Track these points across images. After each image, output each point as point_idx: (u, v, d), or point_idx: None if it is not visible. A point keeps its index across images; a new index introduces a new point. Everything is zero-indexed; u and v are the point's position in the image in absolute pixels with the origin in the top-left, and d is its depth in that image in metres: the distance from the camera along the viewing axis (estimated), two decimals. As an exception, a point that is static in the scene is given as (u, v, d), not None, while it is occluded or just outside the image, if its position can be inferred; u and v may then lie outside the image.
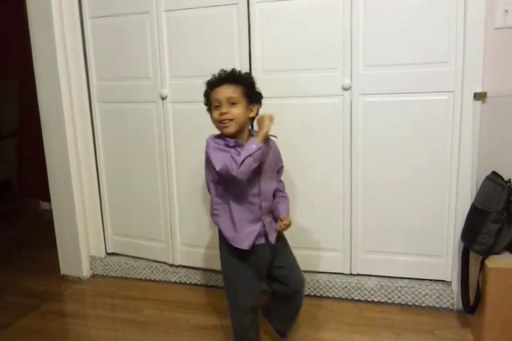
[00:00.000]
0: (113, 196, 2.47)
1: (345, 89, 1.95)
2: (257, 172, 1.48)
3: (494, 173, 1.80)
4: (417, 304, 2.03)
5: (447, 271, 2.00)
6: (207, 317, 2.02)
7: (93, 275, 2.50)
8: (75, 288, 2.37)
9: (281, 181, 1.68)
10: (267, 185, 1.53)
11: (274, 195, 1.61)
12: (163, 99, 2.19)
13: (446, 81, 1.86)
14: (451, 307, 1.99)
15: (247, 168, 1.39)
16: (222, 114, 1.46)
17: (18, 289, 2.36)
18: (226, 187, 1.49)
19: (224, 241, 1.54)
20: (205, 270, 2.31)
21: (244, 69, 2.01)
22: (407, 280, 2.06)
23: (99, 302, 2.23)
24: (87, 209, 2.45)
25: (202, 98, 2.08)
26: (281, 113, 2.01)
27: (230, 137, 1.49)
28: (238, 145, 1.48)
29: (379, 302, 2.07)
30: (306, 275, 2.13)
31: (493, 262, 1.67)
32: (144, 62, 2.20)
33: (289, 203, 1.65)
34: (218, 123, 1.48)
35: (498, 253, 1.71)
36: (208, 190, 1.56)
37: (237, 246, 1.49)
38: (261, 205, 1.51)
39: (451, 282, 2.00)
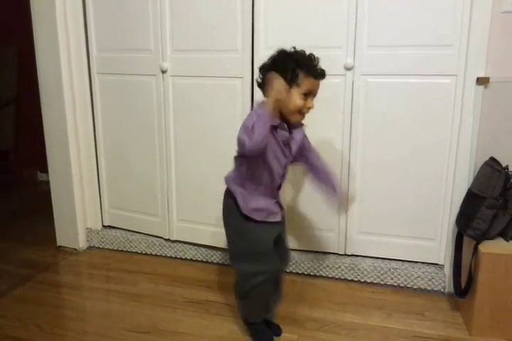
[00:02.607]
0: (111, 169, 2.46)
1: (347, 69, 1.92)
2: (287, 156, 1.52)
3: (492, 159, 1.80)
4: (409, 286, 2.05)
5: (440, 255, 2.02)
6: (201, 292, 2.04)
7: (89, 248, 2.52)
8: (70, 260, 2.39)
9: (314, 152, 1.66)
10: (286, 168, 1.57)
11: (317, 173, 1.64)
12: (163, 72, 2.16)
13: (450, 64, 1.83)
14: (442, 290, 2.02)
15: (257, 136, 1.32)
16: (310, 108, 1.46)
17: (13, 259, 2.38)
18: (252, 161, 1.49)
19: (236, 209, 1.54)
20: (200, 245, 2.32)
21: (247, 45, 1.98)
22: (400, 262, 2.08)
23: (94, 274, 2.25)
24: (84, 181, 2.45)
25: (203, 72, 2.09)
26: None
27: (282, 120, 1.48)
28: (281, 128, 1.47)
29: (371, 283, 2.09)
30: (300, 255, 2.17)
31: (486, 247, 1.69)
32: (145, 34, 2.16)
33: (334, 179, 1.65)
34: (297, 111, 1.46)
35: (492, 238, 1.73)
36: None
37: (249, 216, 1.52)
38: (280, 185, 1.59)
39: (443, 265, 2.02)
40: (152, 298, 2.00)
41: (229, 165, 2.13)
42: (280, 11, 1.95)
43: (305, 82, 1.42)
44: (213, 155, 2.17)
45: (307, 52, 1.47)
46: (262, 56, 1.95)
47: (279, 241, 1.64)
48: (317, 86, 1.46)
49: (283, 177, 1.58)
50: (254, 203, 1.53)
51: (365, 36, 1.89)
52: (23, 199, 3.43)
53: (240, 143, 1.35)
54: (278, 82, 1.40)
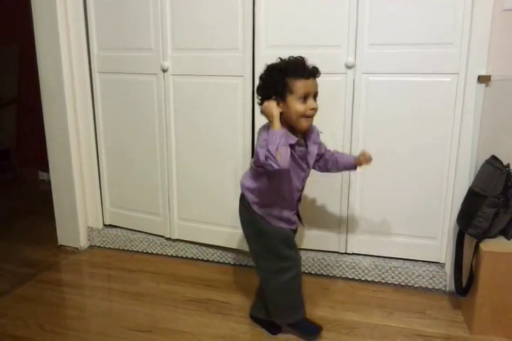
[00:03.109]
0: (112, 168, 2.46)
1: (348, 67, 1.92)
2: (305, 169, 1.56)
3: (494, 157, 1.79)
4: (410, 284, 2.05)
5: (441, 253, 2.02)
6: (202, 291, 2.04)
7: (90, 247, 2.52)
8: (72, 259, 2.39)
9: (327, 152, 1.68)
10: (305, 181, 1.61)
11: (334, 162, 1.67)
12: (164, 71, 2.16)
13: (451, 63, 1.83)
14: (443, 288, 2.02)
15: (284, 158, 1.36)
16: (313, 109, 1.44)
17: (15, 258, 2.38)
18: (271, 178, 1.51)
19: (254, 212, 1.57)
20: (201, 244, 2.32)
21: (248, 44, 1.98)
22: (401, 261, 2.08)
23: (95, 273, 2.25)
24: (85, 180, 2.45)
25: (204, 71, 2.09)
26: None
27: (292, 130, 1.47)
28: (299, 145, 1.49)
29: (372, 282, 2.09)
30: (301, 253, 2.16)
31: (488, 246, 1.68)
32: (145, 33, 2.16)
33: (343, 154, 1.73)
34: (303, 117, 1.44)
35: (493, 237, 1.73)
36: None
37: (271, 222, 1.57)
38: (299, 198, 1.62)
39: (444, 264, 2.02)
40: (153, 296, 2.01)
41: (229, 164, 2.15)
42: (281, 9, 1.95)
43: (297, 86, 1.41)
44: (214, 154, 2.17)
45: (292, 57, 1.46)
46: (263, 55, 1.97)
47: None
48: (312, 86, 1.44)
49: (302, 190, 1.61)
50: (276, 212, 1.56)
51: (366, 35, 1.89)
52: (24, 198, 3.43)
53: (267, 166, 1.36)
54: (267, 105, 1.43)
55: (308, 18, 1.93)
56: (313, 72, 1.44)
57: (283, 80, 1.41)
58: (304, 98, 1.42)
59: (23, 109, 3.75)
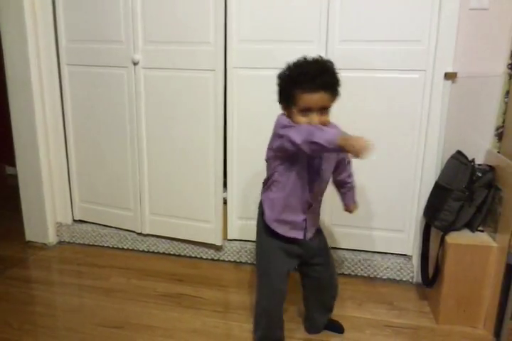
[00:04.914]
0: (81, 162, 2.42)
1: (320, 63, 1.94)
2: (319, 175, 1.44)
3: (459, 152, 1.84)
4: (378, 276, 2.10)
5: (408, 246, 2.07)
6: (174, 286, 2.04)
7: (59, 242, 2.48)
8: (40, 255, 2.35)
9: (348, 171, 1.60)
10: (320, 185, 1.47)
11: (341, 186, 1.63)
12: (135, 64, 2.13)
13: (419, 60, 1.87)
14: (410, 280, 2.07)
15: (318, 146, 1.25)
16: (312, 123, 1.33)
17: (-20, 254, 2.33)
18: (288, 167, 1.41)
19: (262, 218, 1.51)
20: (173, 239, 2.32)
21: (220, 38, 1.97)
22: (370, 254, 2.12)
23: (65, 269, 2.22)
24: (53, 175, 2.40)
25: (176, 65, 2.07)
26: (254, 84, 2.01)
27: None
28: None
29: (343, 274, 2.13)
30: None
31: (453, 238, 1.74)
32: (115, 25, 2.13)
33: (354, 192, 1.64)
34: None
35: (458, 229, 1.78)
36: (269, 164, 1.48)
37: (271, 227, 1.48)
38: (311, 205, 1.48)
39: (411, 256, 2.08)
40: (124, 292, 1.99)
41: (200, 159, 2.14)
42: (253, 3, 1.95)
43: (301, 99, 1.32)
44: (185, 148, 2.16)
45: (312, 60, 1.36)
46: (235, 49, 1.97)
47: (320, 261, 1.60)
48: (318, 100, 1.32)
49: (316, 197, 1.49)
50: (280, 213, 1.46)
51: (337, 31, 1.90)
52: (-11, 193, 3.34)
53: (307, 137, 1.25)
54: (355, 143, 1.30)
55: (280, 12, 1.93)
56: (324, 86, 1.31)
57: (289, 90, 1.34)
58: (305, 111, 1.33)
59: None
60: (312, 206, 1.48)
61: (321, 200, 1.55)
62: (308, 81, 1.31)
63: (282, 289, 1.53)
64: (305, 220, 1.49)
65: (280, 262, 1.51)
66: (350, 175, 1.62)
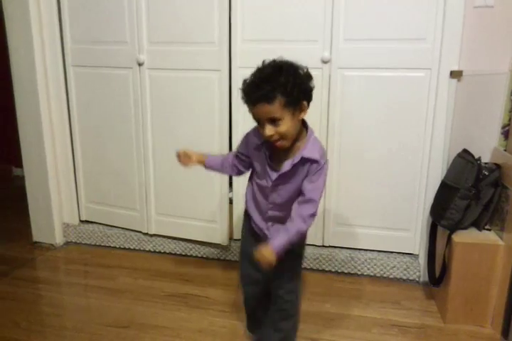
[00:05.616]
0: (87, 163, 2.43)
1: (324, 62, 1.94)
2: (270, 180, 1.36)
3: (465, 151, 1.84)
4: (385, 276, 2.09)
5: (415, 245, 2.07)
6: (180, 286, 2.04)
7: (66, 243, 2.49)
8: (47, 255, 2.36)
9: (305, 203, 1.33)
10: (278, 195, 1.38)
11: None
12: (140, 65, 2.14)
13: (424, 58, 1.86)
14: (417, 279, 2.06)
15: None
16: (267, 136, 1.25)
17: (-12, 255, 2.34)
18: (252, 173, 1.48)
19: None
20: (179, 239, 2.32)
21: (224, 38, 1.97)
22: (376, 253, 2.12)
23: (72, 270, 2.23)
24: (60, 175, 2.42)
25: (181, 65, 2.08)
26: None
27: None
28: (259, 150, 1.36)
29: (349, 274, 2.13)
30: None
31: (460, 237, 1.73)
32: (120, 26, 2.14)
33: (287, 235, 1.30)
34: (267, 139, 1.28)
35: (465, 228, 1.77)
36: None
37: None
38: (267, 214, 1.42)
39: (418, 255, 2.07)
40: (131, 292, 2.00)
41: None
42: (257, 3, 1.95)
43: (251, 111, 1.27)
44: (191, 148, 2.16)
45: (258, 71, 1.27)
46: (240, 49, 1.97)
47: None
48: (262, 112, 1.23)
49: (272, 204, 1.40)
50: (249, 206, 1.49)
51: (342, 30, 1.90)
52: (-3, 194, 3.36)
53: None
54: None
55: (284, 12, 1.93)
56: (257, 99, 1.21)
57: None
58: (259, 123, 1.27)
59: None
60: (267, 215, 1.42)
61: (285, 214, 1.38)
62: (245, 94, 1.26)
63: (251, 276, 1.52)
64: (265, 222, 1.44)
65: (248, 250, 1.43)
66: (292, 218, 1.33)
